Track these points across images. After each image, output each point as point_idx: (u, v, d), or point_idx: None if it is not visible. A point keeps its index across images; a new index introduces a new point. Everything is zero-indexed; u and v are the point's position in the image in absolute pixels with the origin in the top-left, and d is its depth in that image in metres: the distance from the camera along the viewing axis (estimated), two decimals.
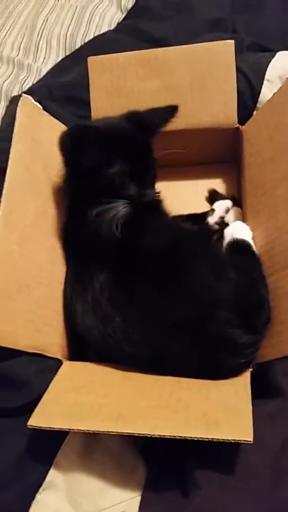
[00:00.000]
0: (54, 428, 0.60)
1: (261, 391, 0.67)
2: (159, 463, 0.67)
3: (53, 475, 0.67)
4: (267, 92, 0.95)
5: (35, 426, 0.60)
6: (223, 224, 0.94)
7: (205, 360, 0.68)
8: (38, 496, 0.66)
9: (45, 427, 0.60)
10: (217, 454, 0.62)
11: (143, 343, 0.69)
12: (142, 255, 0.75)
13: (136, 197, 0.79)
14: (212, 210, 0.96)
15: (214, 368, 0.68)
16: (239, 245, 0.79)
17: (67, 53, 1.41)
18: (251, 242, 0.80)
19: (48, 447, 0.68)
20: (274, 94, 0.81)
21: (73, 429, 0.60)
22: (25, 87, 1.33)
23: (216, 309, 0.68)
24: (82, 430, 0.59)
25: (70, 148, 0.77)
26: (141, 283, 0.72)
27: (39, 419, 0.61)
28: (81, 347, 0.80)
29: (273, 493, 0.58)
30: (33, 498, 0.66)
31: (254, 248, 0.78)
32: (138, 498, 0.64)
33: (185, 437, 0.55)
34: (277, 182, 0.73)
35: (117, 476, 0.66)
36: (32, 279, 0.75)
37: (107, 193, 0.78)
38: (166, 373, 0.70)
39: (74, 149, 0.76)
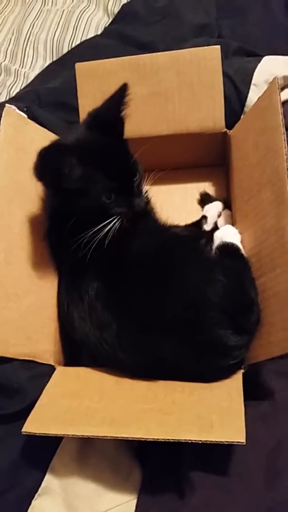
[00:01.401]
0: (48, 434, 0.60)
1: (253, 392, 0.68)
2: (154, 465, 0.68)
3: (49, 480, 0.67)
4: (253, 96, 0.96)
5: (30, 433, 0.60)
6: (214, 227, 0.95)
7: (196, 363, 0.69)
8: (34, 502, 0.66)
9: (39, 433, 0.60)
10: (212, 456, 0.62)
11: (136, 348, 0.70)
12: (133, 261, 0.75)
13: (127, 210, 0.75)
14: (205, 218, 0.97)
15: (205, 370, 0.69)
16: (228, 248, 0.80)
17: (54, 58, 1.40)
18: (240, 245, 0.80)
19: (43, 452, 0.69)
20: (258, 98, 0.82)
21: (67, 435, 0.61)
22: (13, 93, 1.33)
23: (206, 311, 0.69)
24: (77, 435, 0.59)
25: (47, 174, 0.71)
26: (133, 289, 0.72)
27: (33, 425, 0.61)
28: (77, 354, 0.80)
29: (268, 493, 0.59)
30: (29, 504, 0.66)
31: (243, 251, 0.79)
32: (134, 501, 0.65)
33: (179, 440, 0.55)
34: (263, 186, 0.74)
35: (112, 480, 0.67)
36: (20, 287, 0.76)
37: (96, 215, 0.73)
38: (159, 377, 0.70)
39: (52, 174, 0.71)
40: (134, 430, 0.58)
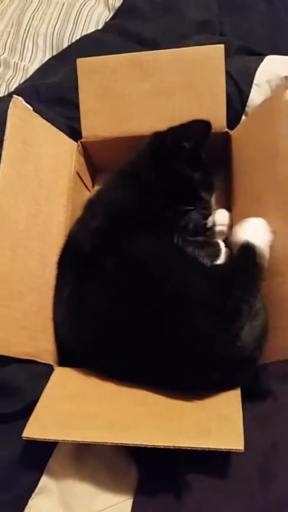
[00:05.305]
0: (49, 439, 0.60)
1: (251, 394, 0.68)
2: (151, 466, 0.68)
3: (46, 480, 0.67)
4: (255, 96, 0.95)
5: (30, 438, 0.60)
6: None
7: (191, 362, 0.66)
8: (31, 501, 0.66)
9: (40, 439, 0.60)
10: (208, 457, 0.62)
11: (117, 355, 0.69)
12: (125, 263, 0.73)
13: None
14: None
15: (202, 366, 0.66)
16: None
17: (54, 52, 1.38)
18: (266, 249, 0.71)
19: (40, 452, 0.69)
20: (264, 100, 0.82)
21: (67, 440, 0.60)
22: (12, 87, 1.31)
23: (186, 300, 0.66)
24: (77, 441, 0.59)
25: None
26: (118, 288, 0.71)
27: (33, 430, 0.61)
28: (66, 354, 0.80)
29: (263, 496, 0.60)
30: (26, 503, 0.66)
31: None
32: (130, 501, 0.65)
33: (178, 447, 0.56)
34: (266, 190, 0.73)
35: (109, 480, 0.67)
36: (24, 285, 0.75)
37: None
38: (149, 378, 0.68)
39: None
40: (134, 436, 0.58)
